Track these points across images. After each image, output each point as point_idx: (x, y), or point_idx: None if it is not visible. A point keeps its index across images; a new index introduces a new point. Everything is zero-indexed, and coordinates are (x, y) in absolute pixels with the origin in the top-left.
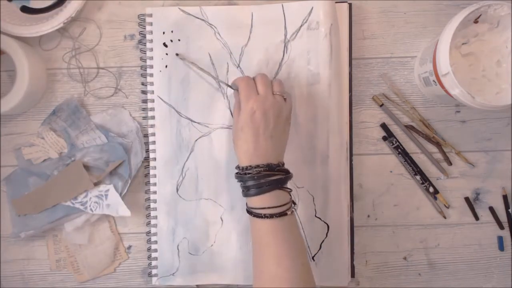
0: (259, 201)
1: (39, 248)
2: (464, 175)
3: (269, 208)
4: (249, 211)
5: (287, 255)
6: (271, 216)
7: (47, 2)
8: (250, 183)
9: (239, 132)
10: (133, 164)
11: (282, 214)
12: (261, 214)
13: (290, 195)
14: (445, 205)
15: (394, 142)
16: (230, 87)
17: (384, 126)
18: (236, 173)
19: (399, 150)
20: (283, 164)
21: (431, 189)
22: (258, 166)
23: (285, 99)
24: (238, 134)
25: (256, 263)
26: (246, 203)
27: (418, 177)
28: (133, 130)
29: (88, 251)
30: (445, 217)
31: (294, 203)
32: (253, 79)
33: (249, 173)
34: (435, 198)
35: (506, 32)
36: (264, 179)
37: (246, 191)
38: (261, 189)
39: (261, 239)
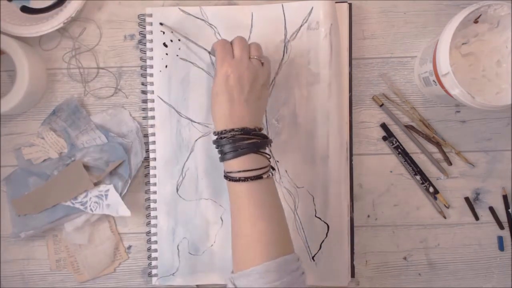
0: (235, 165)
1: (39, 248)
2: (464, 175)
3: (244, 171)
4: (226, 176)
5: (262, 218)
6: (246, 179)
7: (47, 2)
8: (226, 147)
9: (215, 97)
10: (133, 164)
11: (258, 177)
12: (236, 177)
13: (269, 160)
14: (445, 205)
15: (394, 142)
16: (209, 52)
17: (384, 126)
18: (213, 138)
19: (399, 150)
20: (260, 129)
21: (431, 189)
22: (233, 130)
23: (262, 64)
24: (213, 99)
25: (233, 226)
26: (224, 170)
27: (418, 177)
28: (133, 130)
29: (88, 251)
30: (445, 217)
31: (273, 169)
32: (231, 42)
33: (224, 137)
34: (435, 198)
35: (506, 32)
36: (240, 142)
37: (223, 155)
38: (237, 152)
39: (237, 202)
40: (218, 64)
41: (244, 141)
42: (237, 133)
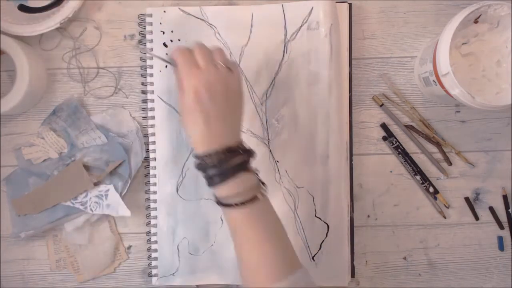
0: (226, 189)
1: (39, 248)
2: (464, 175)
3: (237, 195)
4: (219, 202)
5: (264, 239)
6: (242, 203)
7: (45, 1)
8: (212, 171)
9: (187, 116)
10: (133, 164)
11: (253, 198)
12: (231, 203)
13: (257, 175)
14: (445, 205)
15: (394, 142)
16: (170, 63)
17: (384, 126)
18: (195, 162)
19: (399, 150)
20: (242, 145)
21: (431, 189)
22: (216, 151)
23: (230, 70)
24: (186, 119)
25: (236, 251)
26: (214, 195)
27: (418, 177)
28: (133, 130)
29: (88, 251)
30: (445, 217)
31: (263, 183)
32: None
33: (208, 161)
34: (435, 198)
35: (506, 32)
36: (226, 164)
37: (210, 181)
38: (225, 175)
39: (237, 228)
40: (184, 78)
41: (230, 161)
42: (221, 154)
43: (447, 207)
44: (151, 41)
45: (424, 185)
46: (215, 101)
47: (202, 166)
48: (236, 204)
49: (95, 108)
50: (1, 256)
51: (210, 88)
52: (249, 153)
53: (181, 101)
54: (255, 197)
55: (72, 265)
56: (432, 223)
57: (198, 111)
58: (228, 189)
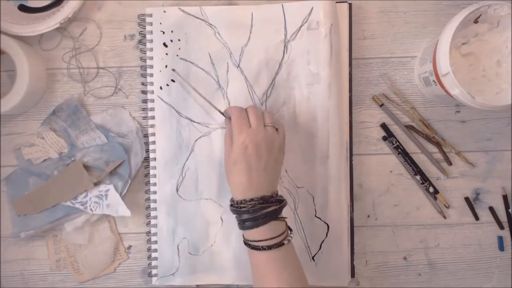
0: (256, 234)
1: (39, 248)
2: (464, 175)
3: (266, 240)
4: (246, 243)
5: (285, 282)
6: (268, 247)
7: (45, 1)
8: (245, 216)
9: (232, 165)
10: (133, 164)
11: (279, 244)
12: (258, 246)
13: (286, 222)
14: (445, 205)
15: (394, 142)
16: (223, 114)
17: (384, 126)
18: (231, 205)
19: (399, 150)
20: (276, 194)
21: (431, 189)
22: (252, 199)
23: (277, 129)
24: (230, 168)
25: None
26: (243, 235)
27: (418, 177)
28: (133, 130)
29: (88, 251)
30: (445, 217)
31: (290, 230)
32: (245, 110)
33: (243, 207)
34: (435, 198)
35: (506, 32)
36: (259, 211)
37: (242, 224)
38: (257, 222)
39: (259, 269)
40: (235, 133)
41: (263, 210)
42: (256, 202)
43: (447, 207)
44: (151, 41)
45: (424, 185)
46: (259, 156)
47: (237, 210)
48: (263, 248)
49: (95, 108)
50: (1, 256)
51: (257, 145)
52: (281, 202)
53: (228, 151)
54: (281, 243)
55: (72, 265)
56: (432, 223)
57: (243, 162)
58: (258, 234)
